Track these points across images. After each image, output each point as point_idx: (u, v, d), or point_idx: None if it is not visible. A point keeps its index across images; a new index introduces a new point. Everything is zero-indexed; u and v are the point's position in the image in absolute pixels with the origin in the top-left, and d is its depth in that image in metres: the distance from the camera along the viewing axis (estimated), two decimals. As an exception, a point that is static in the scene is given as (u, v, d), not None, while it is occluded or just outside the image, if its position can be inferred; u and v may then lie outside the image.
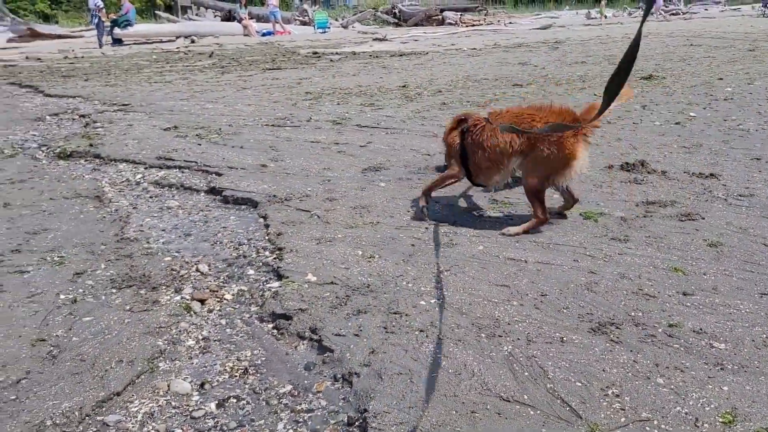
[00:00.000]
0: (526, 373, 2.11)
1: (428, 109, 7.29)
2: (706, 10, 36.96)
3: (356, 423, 1.95)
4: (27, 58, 17.07)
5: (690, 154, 4.78)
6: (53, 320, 2.62)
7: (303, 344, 2.44)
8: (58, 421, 1.98)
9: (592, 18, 33.70)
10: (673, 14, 32.54)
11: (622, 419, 1.86)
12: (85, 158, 5.55)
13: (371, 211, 3.79)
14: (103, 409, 2.06)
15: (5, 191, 4.49)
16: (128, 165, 5.26)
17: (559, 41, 17.33)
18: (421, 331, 2.40)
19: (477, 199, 3.94)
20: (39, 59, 16.63)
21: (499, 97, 7.80)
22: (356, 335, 2.40)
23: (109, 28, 23.12)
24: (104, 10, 22.98)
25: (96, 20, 22.37)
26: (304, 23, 31.64)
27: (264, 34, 26.38)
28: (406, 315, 2.52)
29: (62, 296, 2.84)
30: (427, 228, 3.48)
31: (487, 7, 41.33)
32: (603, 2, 33.85)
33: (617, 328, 2.37)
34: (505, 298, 2.63)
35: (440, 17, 32.05)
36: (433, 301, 2.64)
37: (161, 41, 24.46)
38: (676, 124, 5.80)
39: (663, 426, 1.83)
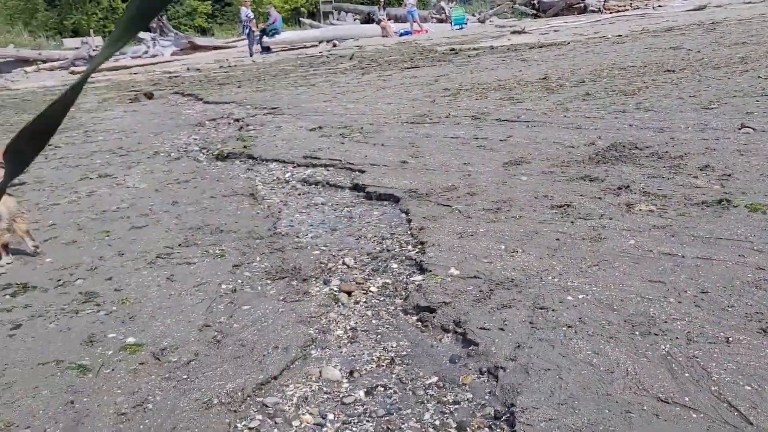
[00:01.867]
0: (687, 374, 1.97)
1: (571, 100, 7.04)
2: None
3: (503, 417, 1.94)
4: (188, 69, 18.54)
5: None
6: (216, 308, 2.83)
7: (447, 337, 2.45)
8: (223, 401, 2.13)
9: (755, -6, 30.79)
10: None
11: (801, 428, 1.70)
12: (240, 159, 5.94)
13: (513, 205, 3.73)
14: (262, 391, 2.20)
15: (173, 190, 4.92)
16: (278, 164, 5.56)
17: (715, 22, 16.03)
18: (569, 327, 2.33)
19: (626, 193, 3.75)
20: (198, 70, 18.00)
21: (649, 85, 7.36)
22: (501, 329, 2.37)
23: (258, 38, 24.54)
24: (254, 21, 24.42)
25: (247, 30, 23.82)
26: (440, 21, 31.70)
27: (402, 34, 26.75)
28: (553, 310, 2.46)
29: (223, 286, 3.06)
30: (572, 222, 3.37)
31: (634, -10, 39.03)
32: None
33: (792, 329, 2.15)
34: (660, 295, 2.48)
35: (582, 5, 30.75)
36: (581, 296, 2.55)
37: (305, 47, 25.58)
38: None
39: None
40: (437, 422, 1.98)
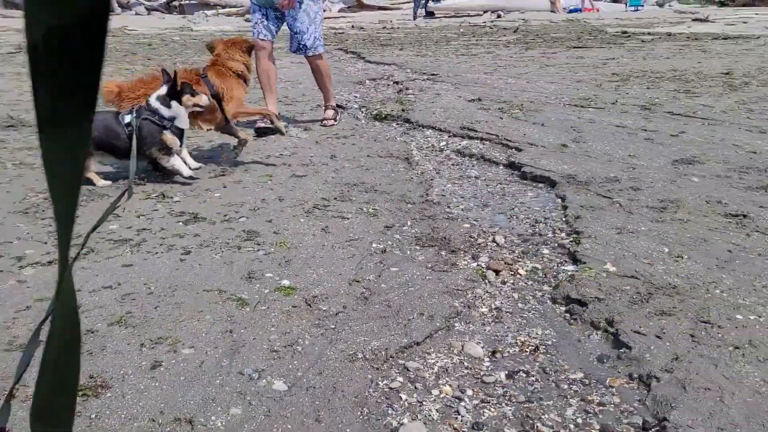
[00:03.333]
0: None
1: (756, 101, 6.42)
2: None
3: (652, 429, 1.84)
4: (353, 27, 18.95)
5: None
6: (366, 265, 2.91)
7: (597, 334, 2.36)
8: (367, 356, 2.20)
9: None
10: None
11: None
12: (397, 122, 6.00)
13: (681, 206, 3.49)
14: (405, 354, 2.24)
15: (333, 144, 5.09)
16: (434, 132, 5.56)
17: None
18: (736, 347, 2.16)
19: (816, 211, 3.38)
20: (362, 28, 18.35)
21: None
22: (658, 337, 2.24)
23: (424, 1, 24.53)
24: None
25: (415, -8, 23.87)
26: (615, 0, 29.97)
27: (571, 11, 25.62)
28: (719, 327, 2.29)
29: (374, 245, 3.13)
30: (748, 235, 3.10)
31: None
32: None
33: None
34: None
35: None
36: (752, 317, 2.35)
37: (469, 15, 25.24)
38: None
39: None
40: (579, 420, 1.92)
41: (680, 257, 2.87)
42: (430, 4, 24.73)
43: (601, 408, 1.97)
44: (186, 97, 3.97)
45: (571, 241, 3.14)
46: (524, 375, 2.16)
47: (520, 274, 2.88)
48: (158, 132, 3.89)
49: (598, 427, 1.88)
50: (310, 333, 2.35)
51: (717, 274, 2.70)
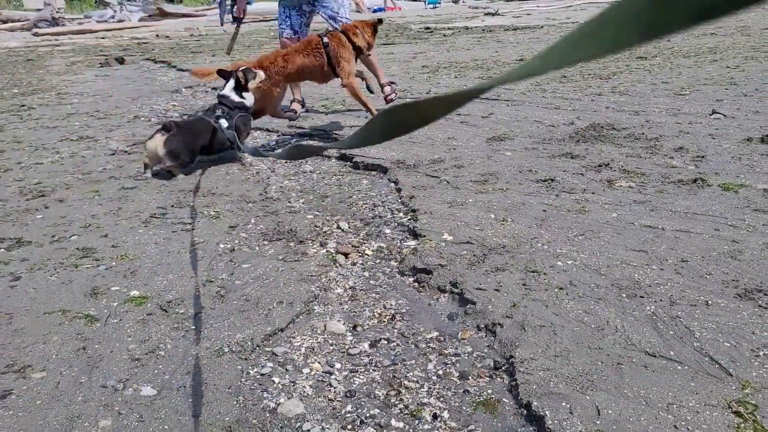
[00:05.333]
0: (671, 332, 2.14)
1: (548, 82, 7.20)
2: None
3: (503, 367, 2.07)
4: (157, 36, 18.18)
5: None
6: (216, 266, 2.91)
7: (444, 296, 2.58)
8: (234, 349, 2.22)
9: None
10: None
11: (775, 379, 1.87)
12: (222, 126, 5.93)
13: (499, 178, 3.87)
14: (271, 341, 2.29)
15: (158, 154, 4.92)
16: (263, 132, 5.59)
17: (684, 13, 16.39)
18: (560, 288, 2.48)
19: (606, 170, 3.92)
20: (168, 37, 17.68)
21: (623, 70, 7.57)
22: (496, 290, 2.51)
23: (230, 7, 24.11)
24: (225, -11, 23.97)
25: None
26: (414, -1, 31.56)
27: (375, 10, 26.59)
28: (544, 274, 2.60)
29: (221, 245, 3.13)
30: (557, 195, 3.52)
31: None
32: None
33: (765, 294, 2.34)
34: (644, 263, 2.65)
35: (554, -10, 30.99)
36: (569, 262, 2.70)
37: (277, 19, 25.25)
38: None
39: (819, 388, 1.82)
40: (440, 372, 2.10)
41: (505, 221, 3.20)
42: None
43: (457, 358, 2.17)
44: (251, 84, 4.63)
45: (409, 219, 3.36)
46: (386, 342, 2.31)
47: (368, 255, 3.03)
48: (249, 120, 4.67)
49: (457, 374, 2.08)
50: (171, 336, 2.32)
51: (537, 230, 3.05)
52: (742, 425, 1.71)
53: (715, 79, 6.57)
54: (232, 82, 4.58)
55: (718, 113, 5.05)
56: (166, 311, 2.49)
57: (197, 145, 4.31)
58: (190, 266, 2.90)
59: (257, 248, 3.10)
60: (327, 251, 3.06)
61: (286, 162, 4.68)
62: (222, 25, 22.84)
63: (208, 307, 2.53)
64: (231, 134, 4.37)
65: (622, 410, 1.79)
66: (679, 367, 1.96)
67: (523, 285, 2.53)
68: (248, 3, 25.53)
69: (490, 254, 2.83)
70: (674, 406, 1.79)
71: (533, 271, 2.63)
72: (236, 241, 3.18)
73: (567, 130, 4.88)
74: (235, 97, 4.55)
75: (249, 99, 4.64)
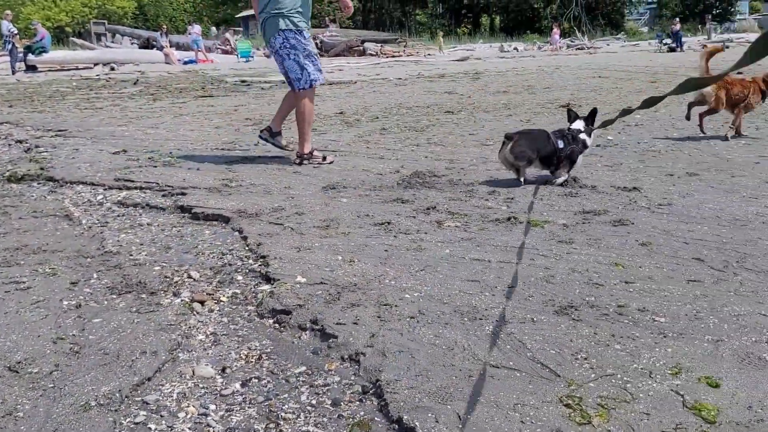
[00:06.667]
0: (508, 346, 2.49)
1: (369, 133, 7.71)
2: (608, 45, 39.70)
3: (371, 391, 2.27)
4: (-63, 83, 16.37)
5: (613, 171, 5.40)
6: (64, 322, 2.79)
7: (306, 334, 2.73)
8: (102, 402, 2.18)
9: (505, 51, 35.49)
10: (578, 48, 34.75)
11: (592, 375, 2.27)
12: (38, 181, 5.58)
13: (341, 223, 4.12)
14: (139, 391, 2.28)
15: (-31, 211, 4.52)
16: (86, 186, 5.35)
17: (478, 72, 18.30)
18: (412, 317, 2.75)
19: (434, 212, 4.34)
20: (-49, 85, 15.99)
21: (434, 123, 8.33)
22: (355, 323, 2.71)
23: (23, 55, 22.42)
24: (18, 36, 22.32)
25: (9, 46, 21.69)
26: (226, 52, 31.65)
27: (186, 63, 26.23)
28: (396, 306, 2.87)
29: (65, 302, 3.00)
30: (395, 236, 3.85)
31: (406, 39, 42.66)
32: (440, 36, 38.14)
33: (576, 309, 2.79)
34: (478, 290, 3.02)
35: (361, 48, 32.88)
36: (416, 294, 2.99)
37: (77, 68, 23.91)
38: (597, 146, 6.46)
39: (625, 378, 2.25)
40: (314, 401, 2.24)
41: (352, 261, 3.44)
42: (30, 57, 22.70)
43: (327, 387, 2.32)
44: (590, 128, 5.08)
45: (260, 265, 3.47)
46: (257, 380, 2.40)
47: (224, 301, 3.09)
48: (579, 156, 5.05)
49: (329, 402, 2.23)
50: (28, 397, 2.21)
51: (382, 268, 3.33)
52: (572, 414, 2.06)
53: (512, 130, 7.48)
54: (582, 123, 5.07)
55: (518, 161, 5.79)
56: (17, 372, 2.36)
57: (535, 149, 4.91)
58: (34, 324, 2.75)
59: (106, 302, 3.02)
60: (182, 300, 3.07)
61: (117, 216, 4.54)
62: (14, 73, 21.15)
63: (64, 364, 2.43)
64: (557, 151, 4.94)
65: (478, 414, 2.06)
66: (518, 374, 2.30)
67: (378, 317, 2.76)
68: (44, 51, 24.09)
69: (343, 292, 3.04)
70: (519, 405, 2.11)
71: (385, 304, 2.88)
72: (81, 297, 3.07)
73: (394, 178, 5.31)
74: (585, 137, 5.02)
75: (590, 143, 5.14)
